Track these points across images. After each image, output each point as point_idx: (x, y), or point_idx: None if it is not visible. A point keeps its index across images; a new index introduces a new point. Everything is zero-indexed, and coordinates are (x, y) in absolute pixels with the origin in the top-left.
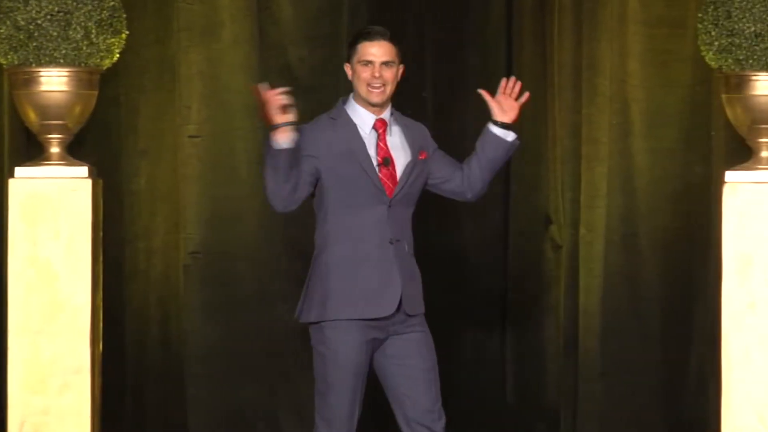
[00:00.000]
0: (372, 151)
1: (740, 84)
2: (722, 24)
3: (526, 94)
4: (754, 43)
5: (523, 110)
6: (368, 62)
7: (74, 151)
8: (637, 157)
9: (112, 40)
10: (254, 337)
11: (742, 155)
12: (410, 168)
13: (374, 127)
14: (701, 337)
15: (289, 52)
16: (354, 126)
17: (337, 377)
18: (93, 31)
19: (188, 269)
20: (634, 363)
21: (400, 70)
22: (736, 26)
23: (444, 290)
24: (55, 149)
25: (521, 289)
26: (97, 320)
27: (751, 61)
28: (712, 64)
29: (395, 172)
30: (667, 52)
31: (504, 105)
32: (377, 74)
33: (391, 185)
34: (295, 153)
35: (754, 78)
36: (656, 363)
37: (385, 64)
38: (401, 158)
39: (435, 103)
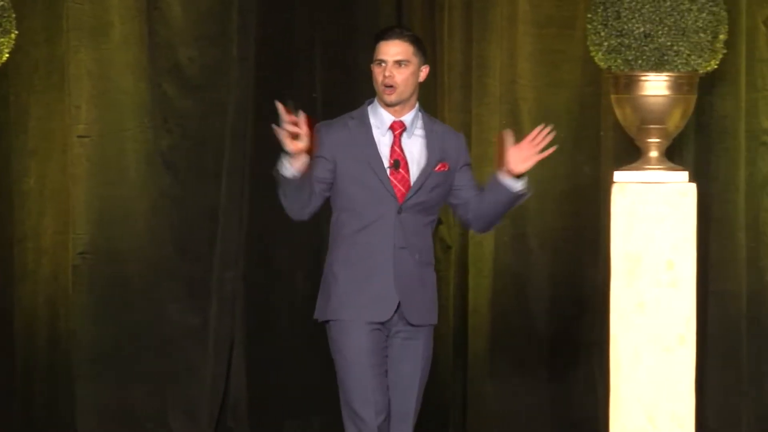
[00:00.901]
0: (386, 152)
1: (629, 84)
2: (611, 24)
3: (552, 148)
4: (643, 44)
5: None
6: (381, 61)
7: None
8: None
9: (2, 40)
10: (143, 337)
11: (631, 155)
12: (425, 176)
13: (390, 128)
14: (590, 337)
15: (179, 51)
16: (368, 126)
17: (348, 372)
18: None
19: (77, 269)
20: (523, 363)
21: (423, 71)
22: (626, 27)
23: None
24: None
25: None
26: None
27: (640, 62)
28: (602, 64)
29: (408, 177)
30: (556, 52)
31: (523, 153)
32: (387, 73)
33: (402, 189)
34: (301, 180)
35: (643, 78)
36: (545, 363)
37: (398, 63)
38: (419, 164)
39: (324, 103)
